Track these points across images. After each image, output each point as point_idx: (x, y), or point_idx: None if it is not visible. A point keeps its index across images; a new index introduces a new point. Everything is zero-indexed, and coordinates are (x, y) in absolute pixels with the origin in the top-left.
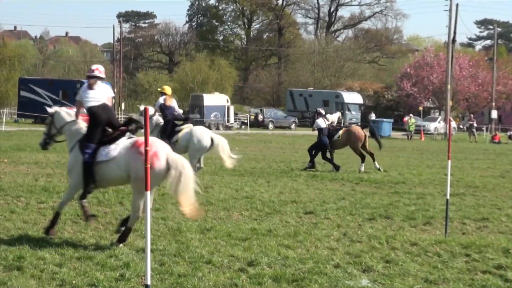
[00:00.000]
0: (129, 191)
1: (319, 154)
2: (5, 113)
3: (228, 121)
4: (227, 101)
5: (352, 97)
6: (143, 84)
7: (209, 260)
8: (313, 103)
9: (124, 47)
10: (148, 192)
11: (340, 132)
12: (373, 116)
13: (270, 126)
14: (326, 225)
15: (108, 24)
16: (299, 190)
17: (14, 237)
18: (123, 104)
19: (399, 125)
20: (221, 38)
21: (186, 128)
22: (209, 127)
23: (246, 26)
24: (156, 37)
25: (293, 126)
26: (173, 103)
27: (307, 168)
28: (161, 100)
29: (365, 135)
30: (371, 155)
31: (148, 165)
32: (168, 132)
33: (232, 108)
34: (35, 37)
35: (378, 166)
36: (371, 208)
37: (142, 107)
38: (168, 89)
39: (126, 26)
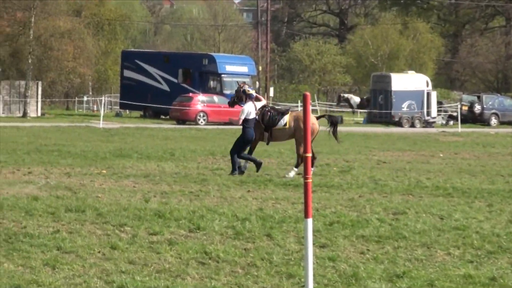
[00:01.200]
0: (279, 219)
1: None
2: (103, 102)
3: (428, 114)
4: (427, 84)
5: None
6: (301, 59)
7: None
8: None
9: (273, 4)
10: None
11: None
12: None
13: (493, 121)
14: None
15: None
16: None
17: (116, 284)
18: (271, 89)
19: None
20: None
21: None
22: (399, 123)
23: None
24: None
25: None
26: None
27: None
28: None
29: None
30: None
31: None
32: None
33: (434, 95)
34: None
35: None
36: None
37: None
38: None
39: None
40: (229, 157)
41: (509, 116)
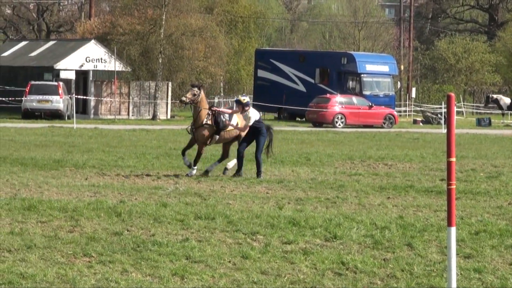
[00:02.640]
0: (420, 227)
1: None
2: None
3: None
4: None
5: None
6: (445, 58)
7: None
8: None
9: (417, 0)
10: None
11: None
12: None
13: None
14: None
15: None
16: None
17: None
18: (413, 90)
19: None
20: None
21: None
22: None
23: None
24: None
25: None
26: None
27: None
28: None
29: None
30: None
31: None
32: None
33: None
34: None
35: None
36: None
37: None
38: None
39: None
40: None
41: None
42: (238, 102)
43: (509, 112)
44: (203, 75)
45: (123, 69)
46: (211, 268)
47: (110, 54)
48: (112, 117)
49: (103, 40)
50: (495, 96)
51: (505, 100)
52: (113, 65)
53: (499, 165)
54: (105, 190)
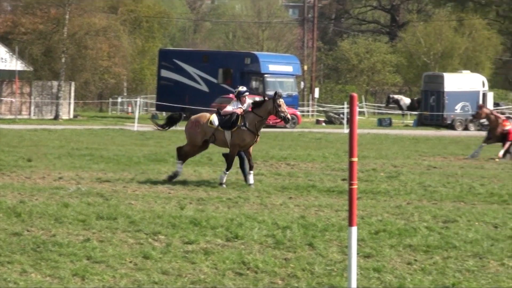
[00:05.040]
0: (322, 227)
1: None
2: (138, 104)
3: None
4: (483, 85)
5: None
6: (348, 58)
7: None
8: None
9: (321, 0)
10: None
11: None
12: None
13: None
14: None
15: None
16: None
17: None
18: (317, 90)
19: None
20: None
21: None
22: (452, 125)
23: None
24: None
25: None
26: None
27: None
28: None
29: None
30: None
31: None
32: None
33: (490, 96)
34: None
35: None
36: None
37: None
38: None
39: None
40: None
41: None
42: (241, 93)
43: (409, 112)
44: (107, 75)
45: (25, 69)
46: (112, 269)
47: (11, 53)
48: (13, 116)
49: (4, 39)
50: (395, 96)
51: (405, 101)
52: (14, 64)
53: (399, 165)
54: (4, 190)
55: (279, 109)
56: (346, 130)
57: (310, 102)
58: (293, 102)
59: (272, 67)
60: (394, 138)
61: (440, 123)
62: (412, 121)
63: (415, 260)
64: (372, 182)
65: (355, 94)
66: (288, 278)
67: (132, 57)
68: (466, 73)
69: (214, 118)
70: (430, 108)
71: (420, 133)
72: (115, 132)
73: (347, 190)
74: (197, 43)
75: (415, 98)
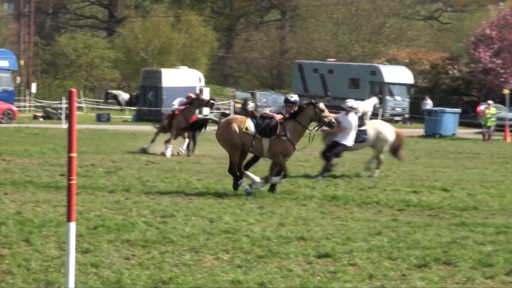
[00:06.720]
0: (39, 223)
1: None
2: None
3: (200, 111)
4: (200, 80)
5: (397, 74)
6: (67, 53)
7: None
8: (335, 82)
9: None
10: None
11: None
12: (428, 104)
13: None
14: (351, 275)
15: None
16: (309, 220)
17: None
18: (34, 85)
19: (470, 118)
20: None
21: None
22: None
23: None
24: None
25: None
26: None
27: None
28: None
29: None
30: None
31: None
32: None
33: (207, 91)
34: None
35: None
36: (423, 248)
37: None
38: None
39: None
40: None
41: None
42: (288, 101)
43: (128, 108)
44: None
45: None
46: None
47: None
48: None
49: None
50: (114, 91)
51: (123, 96)
52: None
53: (118, 160)
54: None
55: (322, 114)
56: (64, 125)
57: (27, 97)
58: (9, 97)
59: None
60: (113, 134)
61: (158, 118)
62: (131, 117)
63: (133, 255)
64: (91, 178)
65: (74, 90)
66: (3, 275)
67: None
68: (184, 68)
69: (250, 124)
70: (149, 103)
71: (139, 128)
72: None
73: (65, 186)
74: None
75: (134, 94)
